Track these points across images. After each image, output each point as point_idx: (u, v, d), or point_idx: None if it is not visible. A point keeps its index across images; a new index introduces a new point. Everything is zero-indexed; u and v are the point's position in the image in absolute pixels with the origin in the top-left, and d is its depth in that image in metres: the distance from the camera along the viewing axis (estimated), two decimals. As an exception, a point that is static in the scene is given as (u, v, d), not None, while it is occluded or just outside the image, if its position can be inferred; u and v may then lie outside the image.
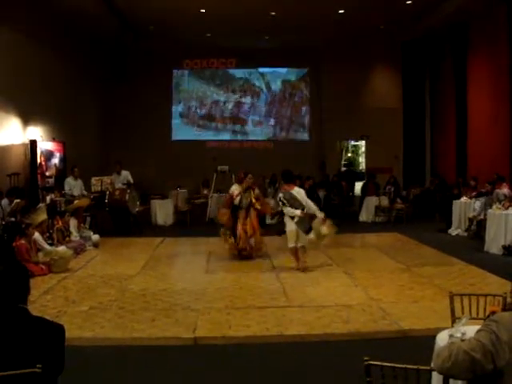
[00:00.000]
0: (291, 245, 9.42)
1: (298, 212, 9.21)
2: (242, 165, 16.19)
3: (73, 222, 11.49)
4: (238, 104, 22.07)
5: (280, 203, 9.45)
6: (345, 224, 15.43)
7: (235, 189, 10.63)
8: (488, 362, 2.37)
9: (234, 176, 15.14)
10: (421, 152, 20.94)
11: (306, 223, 9.33)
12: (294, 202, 9.28)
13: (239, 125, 22.04)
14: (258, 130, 22.04)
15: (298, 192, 9.46)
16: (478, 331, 2.50)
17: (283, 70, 22.06)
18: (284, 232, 9.78)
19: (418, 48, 20.15)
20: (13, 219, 10.02)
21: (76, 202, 12.43)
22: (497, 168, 14.21)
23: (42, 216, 10.21)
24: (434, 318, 6.33)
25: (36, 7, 13.93)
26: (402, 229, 13.92)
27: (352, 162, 21.84)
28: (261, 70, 21.95)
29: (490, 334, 2.42)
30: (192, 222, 15.53)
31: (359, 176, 21.38)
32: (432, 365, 2.62)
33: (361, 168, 23.37)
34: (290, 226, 9.34)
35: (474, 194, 13.55)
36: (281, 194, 9.48)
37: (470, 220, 12.95)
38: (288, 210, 9.31)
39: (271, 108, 22.13)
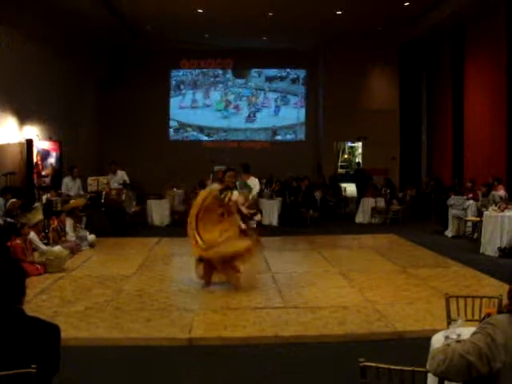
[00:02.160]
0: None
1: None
2: (239, 165, 16.21)
3: (69, 222, 11.45)
4: (237, 104, 22.11)
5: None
6: (341, 225, 15.52)
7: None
8: (483, 364, 2.37)
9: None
10: (417, 153, 21.00)
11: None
12: (244, 190, 10.23)
13: (236, 124, 22.08)
14: (255, 131, 22.04)
15: (252, 181, 10.53)
16: (474, 334, 2.50)
17: (281, 71, 22.07)
18: None
19: (415, 49, 20.22)
20: (8, 219, 9.99)
21: (72, 201, 12.40)
22: (493, 169, 14.25)
23: (38, 216, 10.18)
24: (429, 320, 6.34)
25: (34, 8, 13.93)
26: (398, 230, 13.92)
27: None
28: (258, 70, 21.97)
29: (485, 337, 2.41)
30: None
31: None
32: (427, 367, 2.62)
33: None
34: None
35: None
36: (237, 182, 10.16)
37: (465, 221, 13.01)
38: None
39: (268, 109, 22.14)
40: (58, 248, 9.83)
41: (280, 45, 19.86)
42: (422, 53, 20.29)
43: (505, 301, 2.74)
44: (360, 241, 13.13)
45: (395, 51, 20.69)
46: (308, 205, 15.80)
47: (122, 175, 14.25)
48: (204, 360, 5.55)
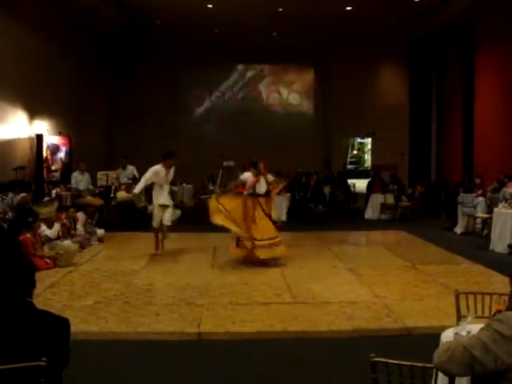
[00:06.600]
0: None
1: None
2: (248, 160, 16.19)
3: (81, 217, 11.50)
4: (244, 100, 22.10)
5: None
6: (350, 221, 15.50)
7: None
8: (490, 359, 2.35)
9: (239, 171, 15.14)
10: (427, 149, 20.89)
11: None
12: None
13: (245, 119, 22.05)
14: (264, 126, 22.00)
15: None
16: (481, 330, 2.49)
17: (290, 67, 21.99)
18: None
19: (425, 45, 20.09)
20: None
21: (88, 198, 12.50)
22: (503, 166, 14.16)
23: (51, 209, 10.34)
24: (438, 316, 6.33)
25: (43, 1, 13.95)
26: (407, 226, 13.89)
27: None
28: (267, 66, 21.90)
29: (492, 334, 2.40)
30: (197, 218, 15.49)
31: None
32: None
33: (366, 165, 23.39)
34: None
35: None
36: None
37: (474, 218, 12.97)
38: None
39: (277, 104, 22.09)
40: (67, 242, 9.88)
41: (290, 40, 19.78)
42: (432, 48, 20.16)
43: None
44: (369, 237, 13.10)
45: (405, 47, 20.56)
46: (317, 200, 15.80)
47: (131, 170, 14.26)
48: (212, 355, 5.55)
